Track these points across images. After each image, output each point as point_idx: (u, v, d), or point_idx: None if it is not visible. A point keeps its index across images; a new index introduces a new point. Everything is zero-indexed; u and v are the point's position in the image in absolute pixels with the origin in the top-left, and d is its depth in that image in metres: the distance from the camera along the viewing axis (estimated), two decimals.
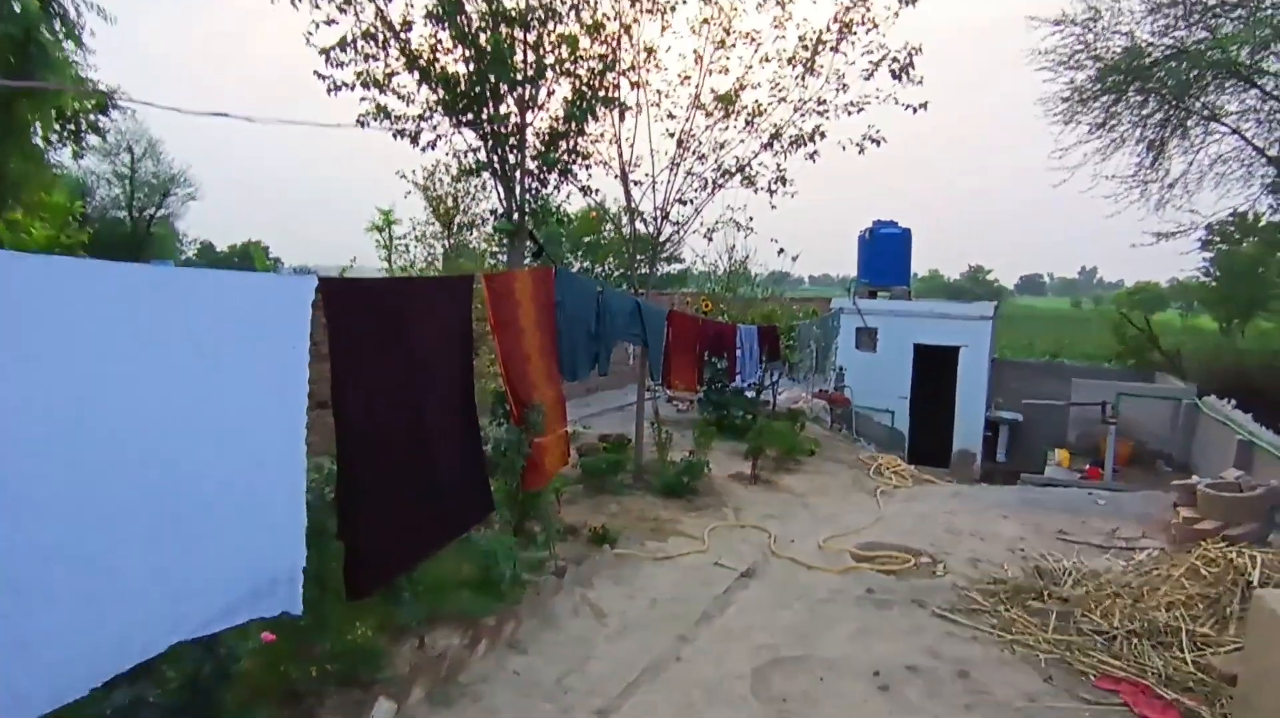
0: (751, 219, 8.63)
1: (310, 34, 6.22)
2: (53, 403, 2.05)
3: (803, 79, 7.82)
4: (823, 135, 7.85)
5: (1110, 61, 12.40)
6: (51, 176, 17.34)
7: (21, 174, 14.23)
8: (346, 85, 6.26)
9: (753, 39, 7.87)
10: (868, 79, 7.74)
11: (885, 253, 16.94)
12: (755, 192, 8.02)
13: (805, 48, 7.78)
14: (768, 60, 7.91)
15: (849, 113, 7.94)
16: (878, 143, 7.97)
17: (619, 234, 18.04)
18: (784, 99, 7.86)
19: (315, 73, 6.20)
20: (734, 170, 7.98)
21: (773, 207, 8.05)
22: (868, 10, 7.56)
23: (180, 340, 2.42)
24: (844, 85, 7.82)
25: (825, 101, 7.84)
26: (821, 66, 7.76)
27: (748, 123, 7.94)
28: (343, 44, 6.11)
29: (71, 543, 2.10)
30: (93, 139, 21.59)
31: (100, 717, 2.62)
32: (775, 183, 7.96)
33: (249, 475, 2.68)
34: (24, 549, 1.98)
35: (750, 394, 11.08)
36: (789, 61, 7.86)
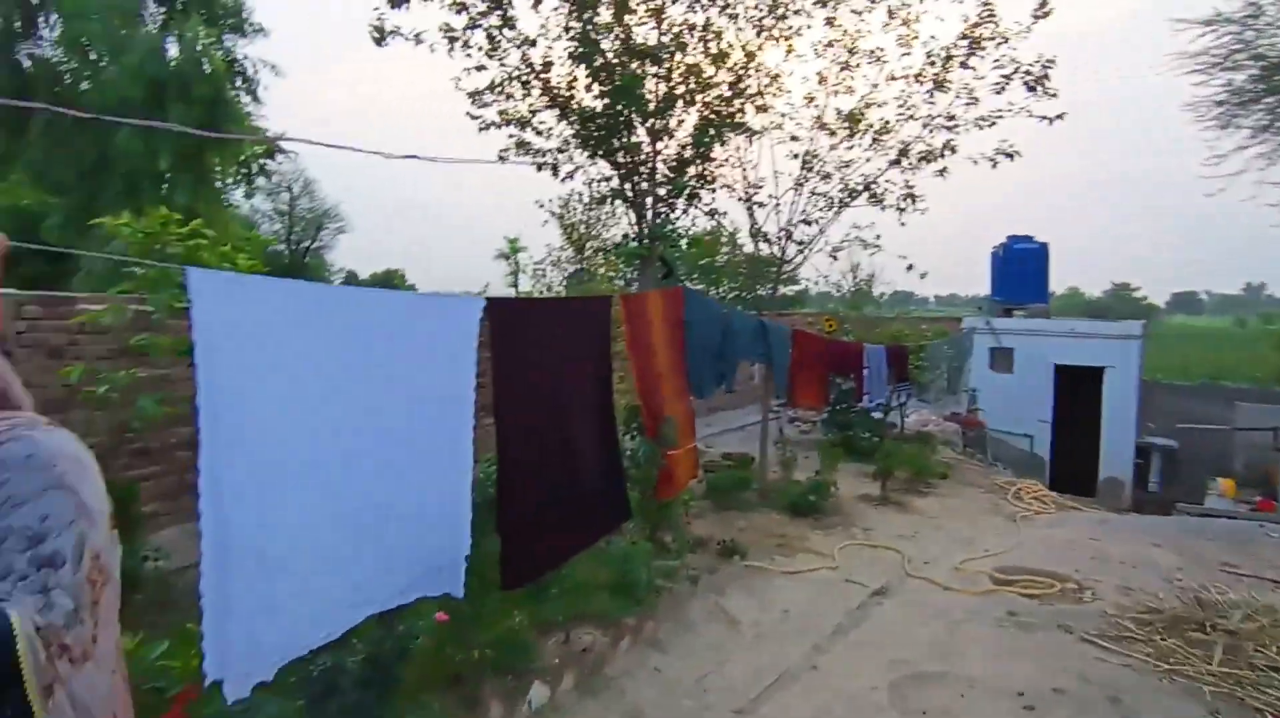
0: (879, 237, 8.56)
1: (459, 79, 6.83)
2: (285, 405, 2.45)
3: (931, 95, 7.75)
4: (953, 150, 7.74)
5: (1276, 60, 11.39)
6: (229, 214, 19.58)
7: (207, 213, 16.18)
8: (495, 125, 6.80)
9: (878, 58, 7.89)
10: (999, 93, 7.58)
11: (1021, 269, 16.17)
12: (882, 209, 7.98)
13: (932, 64, 7.72)
14: (894, 78, 7.90)
15: (980, 127, 7.79)
16: (1010, 156, 7.76)
17: (735, 256, 18.26)
18: (912, 116, 7.81)
19: (467, 113, 6.79)
20: (860, 189, 7.97)
21: (902, 224, 7.98)
22: (996, 26, 7.42)
23: (376, 350, 2.80)
24: (974, 100, 7.68)
25: (955, 117, 7.73)
26: (950, 82, 7.67)
27: (874, 141, 7.93)
28: (491, 87, 6.66)
29: (299, 524, 2.48)
30: (260, 180, 24.10)
31: (308, 677, 3.03)
32: (904, 200, 7.89)
33: (428, 470, 3.04)
34: (266, 527, 2.37)
35: (877, 415, 10.87)
36: (916, 79, 7.82)
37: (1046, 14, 7.52)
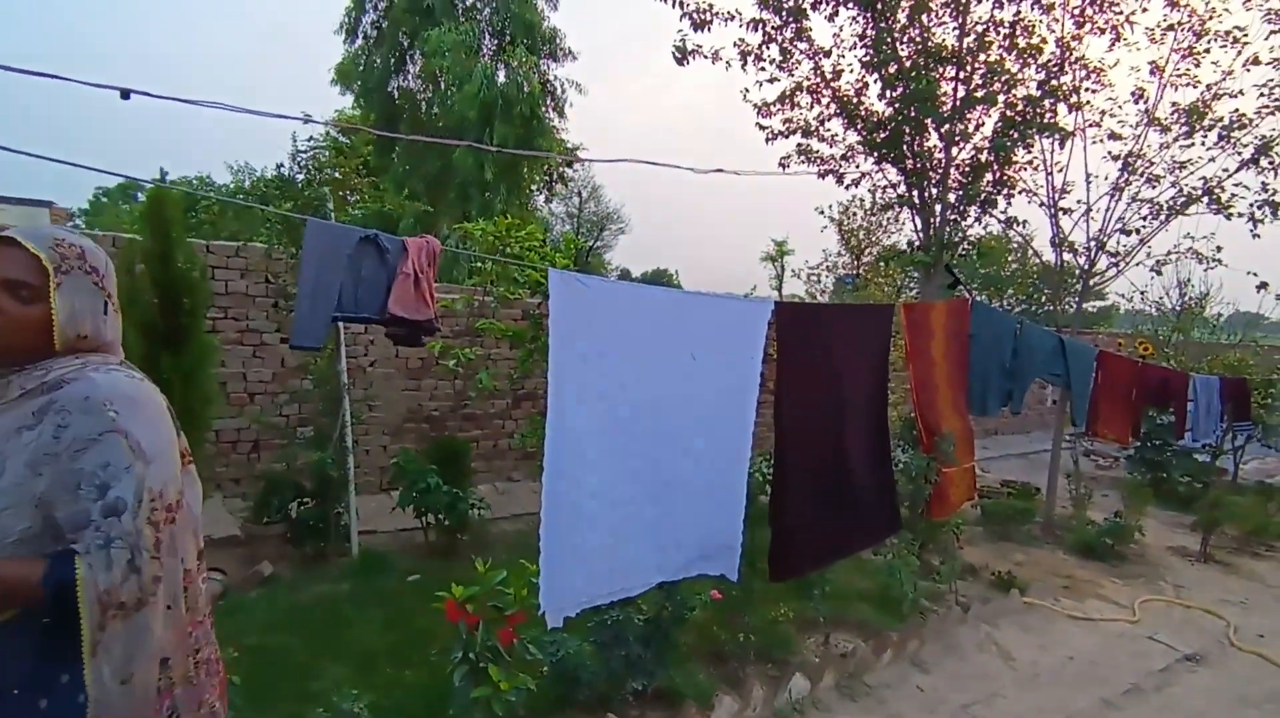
0: (1220, 250, 7.32)
1: (747, 91, 7.10)
2: (611, 385, 2.84)
3: None
4: None
5: None
6: (534, 217, 22.17)
7: (518, 215, 18.51)
8: (782, 134, 6.98)
9: (1236, 39, 6.74)
10: None
11: None
12: (1229, 218, 6.82)
13: None
14: (1257, 62, 6.70)
15: None
16: None
17: (1028, 265, 16.51)
18: (1279, 108, 6.57)
19: (756, 124, 7.05)
20: (1199, 193, 6.89)
21: (1256, 236, 6.74)
22: None
23: (682, 343, 3.12)
24: None
25: None
26: None
27: (1222, 137, 6.81)
28: (782, 98, 6.86)
29: (608, 487, 2.86)
30: (559, 187, 26.90)
31: (601, 625, 3.47)
32: (1262, 207, 6.67)
33: (715, 457, 3.30)
34: (581, 487, 2.77)
35: (1203, 458, 9.27)
36: None
37: None
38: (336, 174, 5.73)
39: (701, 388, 3.25)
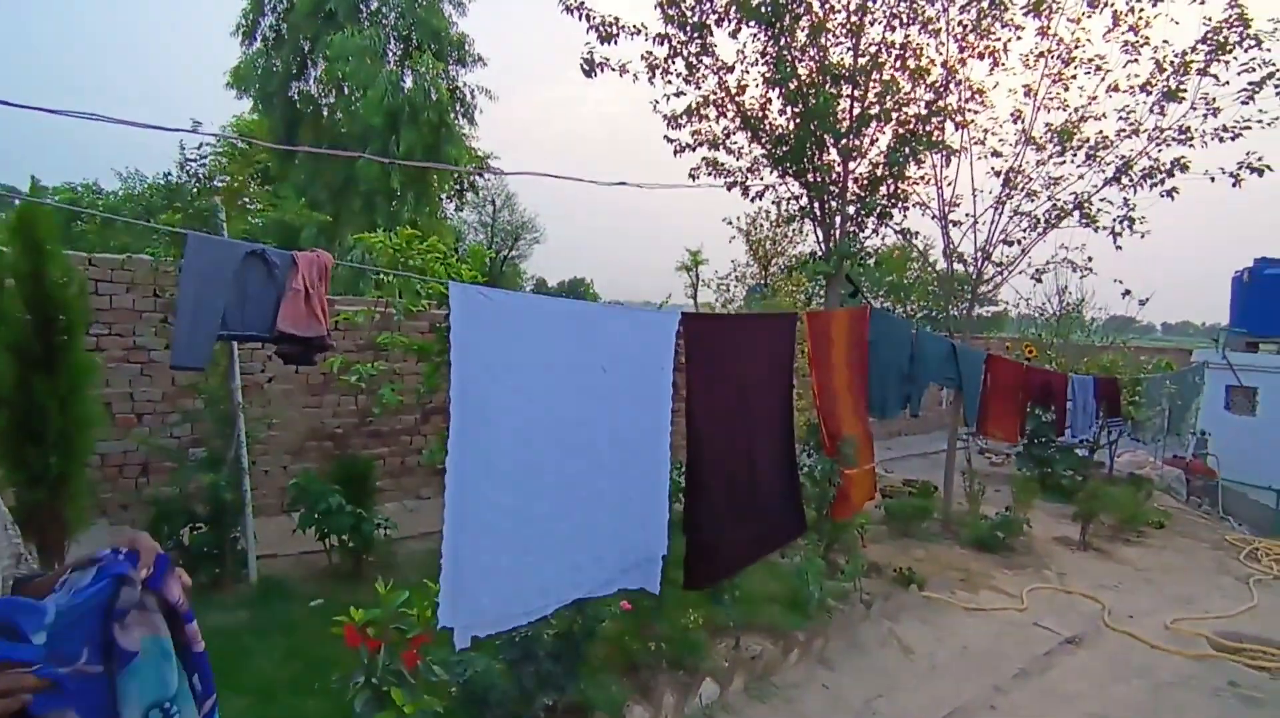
0: (1090, 260, 7.92)
1: (657, 103, 7.22)
2: (517, 399, 2.81)
3: (1160, 107, 7.08)
4: (1184, 168, 7.01)
5: None
6: (444, 226, 21.76)
7: (427, 225, 18.14)
8: (689, 147, 7.13)
9: (1098, 67, 7.34)
10: (1246, 102, 6.76)
11: (1272, 297, 14.05)
12: (1096, 231, 7.39)
13: (1164, 72, 7.05)
14: (1116, 89, 7.31)
15: (1220, 139, 7.00)
16: (1260, 172, 6.88)
17: (926, 274, 17.41)
18: (1136, 130, 7.17)
19: (664, 136, 7.16)
20: (1070, 208, 7.44)
21: (1118, 248, 7.33)
22: (1246, 28, 6.63)
23: (591, 355, 3.13)
24: (1214, 110, 6.92)
25: (1189, 129, 7.00)
26: (1184, 92, 6.96)
27: (1089, 156, 7.38)
28: (688, 111, 7.00)
29: (521, 504, 2.83)
30: (469, 195, 26.50)
31: (510, 642, 3.42)
32: (1121, 222, 7.26)
33: (631, 468, 3.33)
34: (496, 505, 2.74)
35: (1082, 453, 9.97)
36: (1142, 88, 7.18)
37: None
38: (232, 181, 5.49)
39: (613, 400, 3.26)
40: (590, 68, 6.77)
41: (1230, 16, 6.71)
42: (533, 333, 2.89)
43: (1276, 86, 6.69)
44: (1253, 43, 6.73)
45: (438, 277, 4.87)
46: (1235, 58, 6.84)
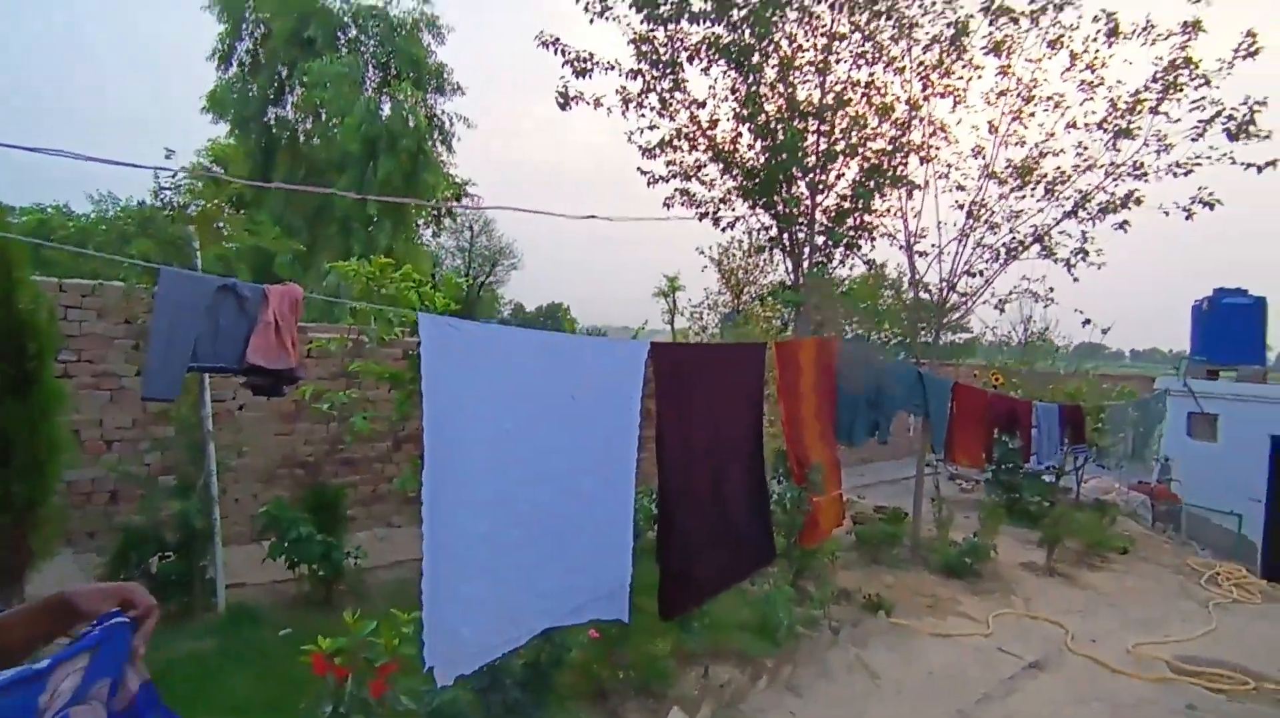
0: (1052, 290, 8.15)
1: (631, 134, 7.39)
2: (488, 430, 2.86)
3: (1114, 143, 7.37)
4: (1138, 201, 7.29)
5: None
6: (421, 252, 21.78)
7: (404, 250, 18.15)
8: (662, 179, 7.29)
9: (1056, 105, 7.63)
10: (1196, 139, 7.07)
11: (1231, 326, 14.48)
12: (1055, 262, 7.63)
13: (1117, 110, 7.35)
14: (1074, 126, 7.60)
15: (1174, 175, 7.30)
16: (1210, 205, 7.18)
17: (898, 302, 17.75)
18: (1092, 165, 7.46)
19: (638, 168, 7.33)
20: (1030, 240, 7.68)
21: (1074, 279, 7.58)
22: (1195, 68, 6.96)
23: (561, 385, 3.20)
24: (1166, 146, 7.22)
25: (1142, 165, 7.30)
26: (1138, 129, 7.26)
27: (1048, 191, 7.64)
28: (662, 144, 7.17)
29: (496, 533, 2.86)
30: (447, 221, 26.55)
31: (478, 672, 3.43)
32: (1077, 255, 7.51)
33: (601, 498, 3.38)
34: (470, 537, 2.77)
35: (1048, 479, 10.16)
36: (1098, 125, 7.48)
37: (1254, 53, 6.98)
38: (206, 206, 5.50)
39: (584, 429, 3.32)
40: (565, 100, 6.93)
41: (1176, 59, 7.02)
42: (502, 363, 2.96)
43: (1224, 125, 6.99)
44: (1201, 81, 7.05)
45: (411, 305, 4.92)
46: (1186, 95, 7.16)
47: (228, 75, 19.31)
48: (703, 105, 7.06)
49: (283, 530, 4.92)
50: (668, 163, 7.41)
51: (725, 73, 6.89)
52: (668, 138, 7.19)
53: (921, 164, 7.68)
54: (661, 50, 6.75)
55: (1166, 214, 7.37)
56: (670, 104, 7.04)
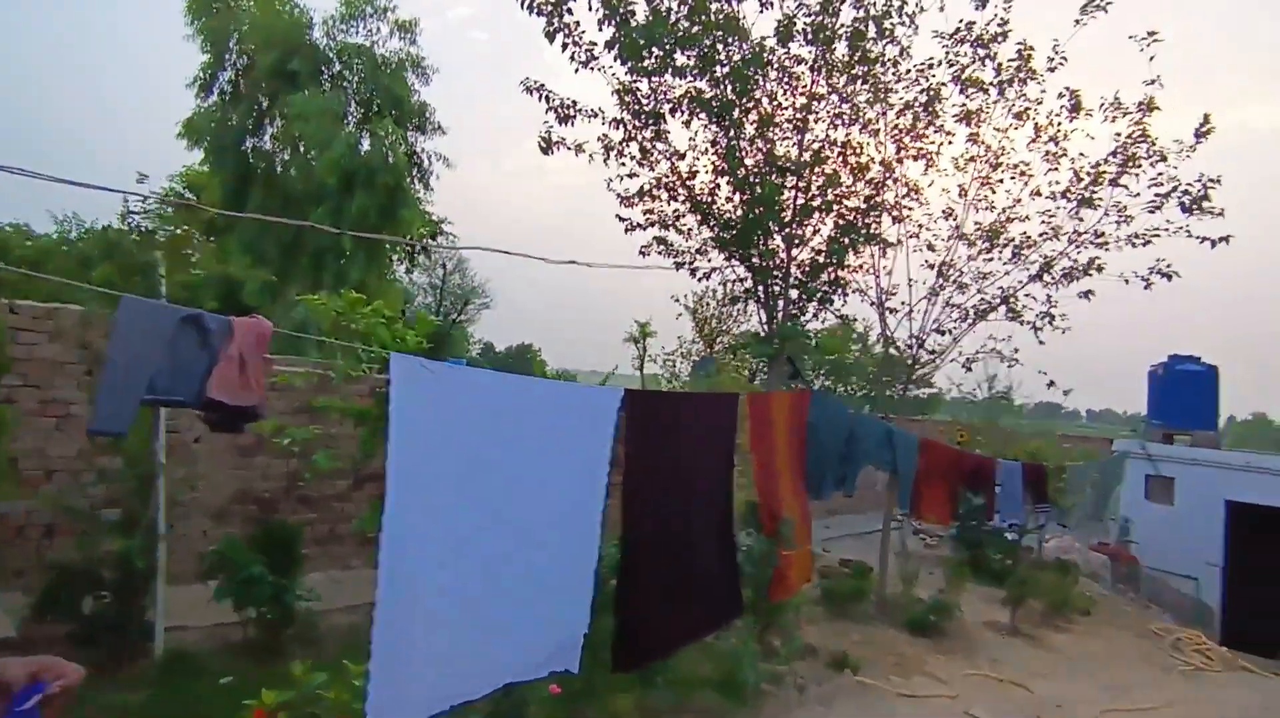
0: (1017, 350, 8.31)
1: (610, 181, 7.45)
2: (454, 476, 2.76)
3: (1077, 211, 7.64)
4: (1099, 269, 7.53)
5: None
6: (394, 289, 21.61)
7: (376, 285, 17.99)
8: (640, 226, 7.34)
9: (1022, 173, 7.89)
10: (1153, 212, 7.36)
11: (1184, 392, 14.89)
12: (1021, 324, 7.81)
13: (1080, 180, 7.63)
14: (1039, 194, 7.86)
15: (1133, 245, 7.56)
16: (1169, 277, 7.43)
17: (867, 356, 18.01)
18: (1056, 233, 7.70)
19: (616, 215, 7.37)
20: (998, 302, 7.86)
21: (1040, 342, 7.75)
22: (1153, 144, 7.29)
23: (530, 431, 3.12)
24: (1126, 218, 7.50)
25: (1103, 234, 7.56)
26: (1100, 199, 7.54)
27: (1014, 254, 7.86)
28: (641, 192, 7.23)
29: (458, 585, 2.74)
30: (420, 258, 26.42)
31: None
32: (1043, 318, 7.70)
33: (567, 549, 3.27)
34: (431, 585, 2.64)
35: (1012, 537, 10.21)
36: (1062, 194, 7.75)
37: (1207, 132, 7.33)
38: (175, 233, 5.39)
39: (553, 479, 3.22)
40: (548, 146, 6.98)
41: (1134, 133, 7.34)
42: (472, 406, 2.88)
43: (1179, 199, 7.29)
44: (1158, 157, 7.36)
45: (381, 341, 4.82)
46: (1144, 170, 7.47)
47: (208, 104, 19.21)
48: (683, 156, 7.17)
49: (233, 570, 4.70)
50: (645, 211, 7.47)
51: (706, 126, 7.01)
52: (647, 187, 7.26)
53: (894, 223, 7.88)
54: (645, 101, 6.85)
55: (1127, 282, 7.61)
56: (651, 154, 7.13)
